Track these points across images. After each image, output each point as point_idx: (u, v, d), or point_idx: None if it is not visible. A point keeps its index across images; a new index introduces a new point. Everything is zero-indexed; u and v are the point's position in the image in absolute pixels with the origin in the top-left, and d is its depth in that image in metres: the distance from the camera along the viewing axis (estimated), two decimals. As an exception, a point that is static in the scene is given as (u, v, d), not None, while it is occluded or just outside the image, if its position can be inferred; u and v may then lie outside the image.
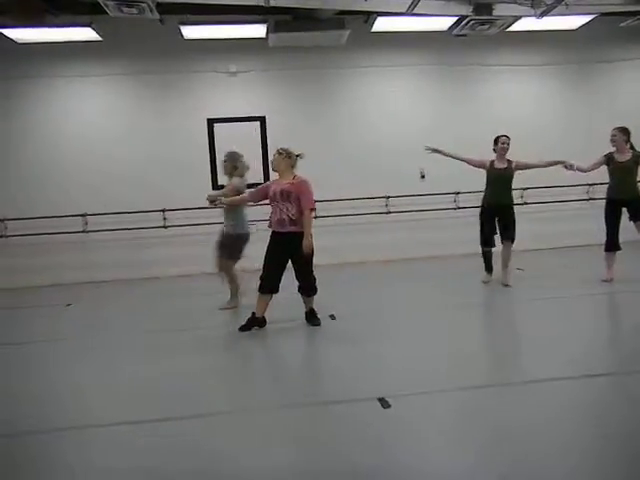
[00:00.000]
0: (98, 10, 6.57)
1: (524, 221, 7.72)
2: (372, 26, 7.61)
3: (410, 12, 6.55)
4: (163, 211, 8.62)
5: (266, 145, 8.82)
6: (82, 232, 8.49)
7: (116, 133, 8.66)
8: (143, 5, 6.18)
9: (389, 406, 3.21)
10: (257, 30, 7.56)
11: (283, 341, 4.84)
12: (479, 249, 7.30)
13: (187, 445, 2.85)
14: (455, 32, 7.42)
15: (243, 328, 5.00)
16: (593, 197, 9.08)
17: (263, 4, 6.29)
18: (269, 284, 4.94)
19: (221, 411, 3.36)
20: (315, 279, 5.17)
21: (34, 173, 8.51)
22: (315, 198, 8.79)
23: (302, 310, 5.28)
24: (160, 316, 6.02)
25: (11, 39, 7.35)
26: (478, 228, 7.15)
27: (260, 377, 4.16)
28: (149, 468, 2.70)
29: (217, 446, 2.87)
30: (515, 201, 7.25)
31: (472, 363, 3.97)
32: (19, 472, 2.76)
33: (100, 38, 7.46)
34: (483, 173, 7.16)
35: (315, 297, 5.25)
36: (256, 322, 5.02)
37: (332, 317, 5.44)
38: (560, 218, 9.39)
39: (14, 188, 8.44)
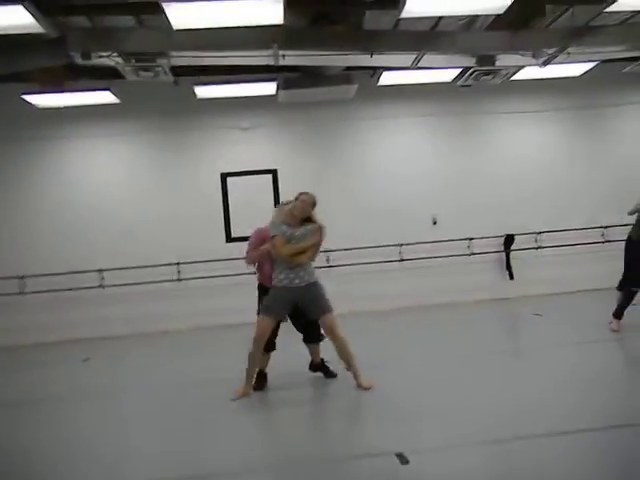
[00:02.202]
0: (116, 74, 6.90)
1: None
2: (378, 80, 7.84)
3: (415, 66, 6.76)
4: (177, 264, 8.71)
5: (278, 196, 8.97)
6: (99, 287, 8.59)
7: (133, 189, 8.90)
8: (158, 69, 6.46)
9: (407, 462, 3.10)
10: (267, 88, 7.83)
11: (295, 394, 4.74)
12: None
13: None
14: (460, 83, 7.61)
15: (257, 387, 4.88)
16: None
17: (272, 64, 6.55)
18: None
19: (230, 472, 3.28)
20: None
21: (52, 230, 8.72)
22: (327, 247, 8.89)
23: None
24: (175, 371, 5.97)
25: (33, 104, 7.69)
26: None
27: (272, 433, 4.06)
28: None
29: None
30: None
31: (498, 414, 3.83)
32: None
33: (118, 100, 7.78)
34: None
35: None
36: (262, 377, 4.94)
37: (347, 369, 5.33)
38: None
39: (33, 245, 8.63)
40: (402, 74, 7.54)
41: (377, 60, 6.74)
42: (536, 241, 9.20)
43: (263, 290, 4.93)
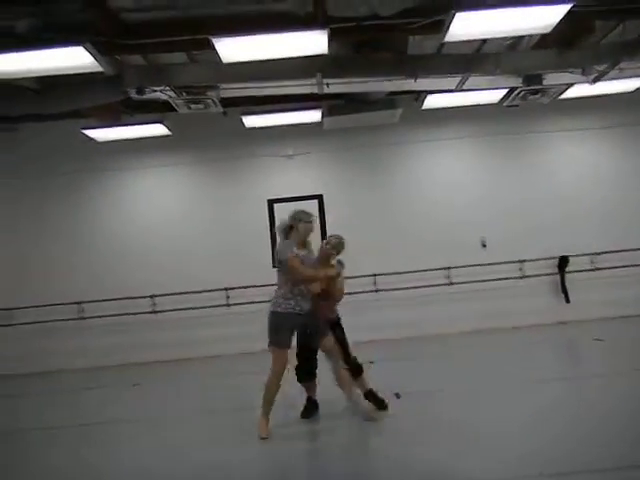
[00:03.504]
0: (168, 107, 7.21)
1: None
2: (422, 104, 7.84)
3: (459, 89, 6.73)
4: (226, 289, 8.85)
5: (324, 222, 9.03)
6: (151, 312, 8.84)
7: (184, 218, 9.20)
8: (208, 101, 6.71)
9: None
10: (312, 115, 7.97)
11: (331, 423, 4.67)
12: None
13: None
14: (506, 103, 7.50)
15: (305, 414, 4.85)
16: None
17: (317, 92, 6.68)
18: None
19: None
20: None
21: (108, 258, 9.08)
22: (374, 272, 8.81)
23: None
24: (222, 395, 6.01)
25: (93, 138, 8.12)
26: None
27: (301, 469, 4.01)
28: None
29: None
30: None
31: (558, 445, 3.65)
32: None
33: (170, 132, 8.10)
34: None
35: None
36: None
37: (397, 396, 5.24)
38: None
39: (90, 273, 9.00)
40: (447, 97, 7.52)
41: (421, 84, 6.75)
42: (592, 262, 8.84)
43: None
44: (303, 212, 4.71)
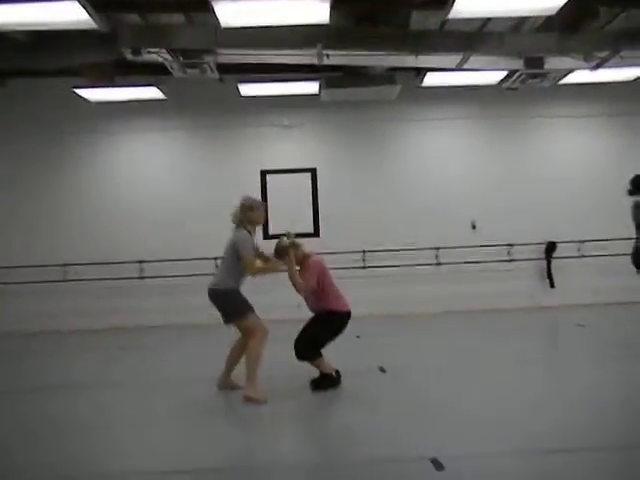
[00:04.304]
0: (163, 71, 7.06)
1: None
2: (422, 81, 7.77)
3: (460, 67, 6.66)
4: (215, 259, 8.82)
5: (316, 196, 9.00)
6: (138, 278, 8.81)
7: (174, 184, 9.10)
8: (204, 66, 6.58)
9: (442, 468, 3.06)
10: (310, 87, 7.87)
11: (326, 396, 4.74)
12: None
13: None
14: (506, 85, 7.46)
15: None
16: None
17: (316, 63, 6.57)
18: None
19: (257, 466, 3.30)
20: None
21: (96, 221, 8.99)
22: (363, 248, 8.83)
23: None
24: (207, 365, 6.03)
25: (84, 98, 7.95)
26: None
27: (304, 435, 4.08)
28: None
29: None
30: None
31: (537, 425, 3.74)
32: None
33: (164, 97, 7.95)
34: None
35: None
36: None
37: (382, 370, 5.32)
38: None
39: (78, 235, 8.91)
40: (446, 75, 7.45)
41: (422, 61, 6.68)
42: (579, 249, 8.94)
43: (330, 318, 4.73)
44: (256, 200, 4.91)
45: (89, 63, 7.03)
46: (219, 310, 4.65)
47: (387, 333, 7.53)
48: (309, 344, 4.67)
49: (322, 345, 4.70)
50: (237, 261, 4.60)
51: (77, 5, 4.90)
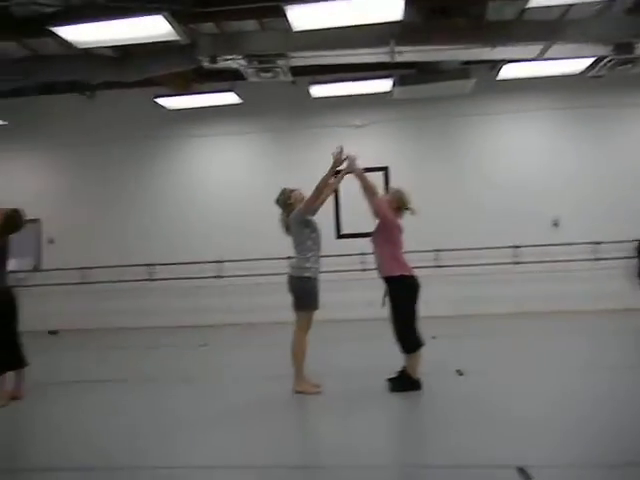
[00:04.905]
0: (238, 76, 7.27)
1: None
2: (498, 74, 7.49)
3: (540, 57, 6.37)
4: (289, 258, 8.96)
5: (389, 194, 8.90)
6: (216, 277, 9.13)
7: (252, 186, 9.34)
8: (278, 69, 6.71)
9: (530, 478, 2.93)
10: (382, 85, 7.80)
11: (404, 398, 4.67)
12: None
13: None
14: (591, 74, 7.04)
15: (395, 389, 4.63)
16: None
17: (389, 60, 6.51)
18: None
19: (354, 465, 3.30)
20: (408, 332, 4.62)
21: (178, 223, 9.42)
22: (437, 247, 8.63)
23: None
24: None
25: (164, 106, 8.33)
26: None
27: (382, 436, 4.04)
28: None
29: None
30: None
31: (626, 434, 3.51)
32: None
33: (240, 101, 8.18)
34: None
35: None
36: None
37: (459, 373, 5.18)
38: None
39: (161, 236, 9.38)
40: (525, 66, 7.15)
41: (499, 53, 6.45)
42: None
43: (401, 283, 4.56)
44: (285, 189, 5.04)
45: (169, 73, 7.37)
46: (292, 297, 4.70)
47: (463, 334, 7.33)
48: (402, 329, 4.55)
49: (412, 320, 4.55)
50: (304, 243, 4.65)
51: (161, 19, 5.14)
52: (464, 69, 7.60)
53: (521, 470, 3.00)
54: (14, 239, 4.82)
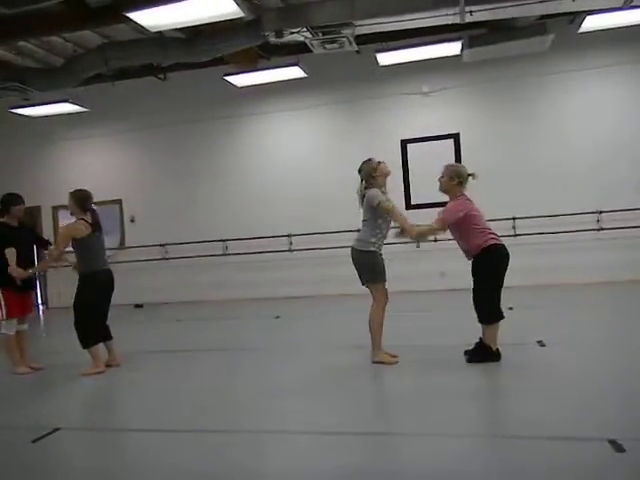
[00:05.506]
0: (303, 49, 7.23)
1: None
2: (580, 27, 6.98)
3: (629, 5, 5.87)
4: (359, 231, 8.96)
5: (460, 162, 8.63)
6: (288, 251, 9.31)
7: (320, 159, 9.39)
8: (343, 39, 6.61)
9: (623, 450, 2.83)
10: (451, 48, 7.50)
11: (485, 369, 4.60)
12: None
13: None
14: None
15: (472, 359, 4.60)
16: None
17: (458, 22, 6.24)
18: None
19: (421, 432, 3.32)
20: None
21: (249, 199, 9.66)
22: (513, 215, 8.33)
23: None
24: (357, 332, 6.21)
25: (233, 84, 8.46)
26: None
27: (468, 408, 4.02)
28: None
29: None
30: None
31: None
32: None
33: (305, 74, 8.15)
34: None
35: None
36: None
37: (540, 343, 5.03)
38: None
39: (234, 213, 9.65)
40: (610, 16, 6.62)
41: (580, 3, 6.00)
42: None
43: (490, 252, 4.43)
44: (372, 159, 4.78)
45: (237, 51, 7.44)
46: (357, 270, 4.71)
47: (542, 305, 7.08)
48: (485, 298, 4.45)
49: (497, 290, 4.46)
50: (375, 220, 4.60)
51: (228, -4, 5.18)
52: (541, 24, 7.14)
53: (613, 442, 2.90)
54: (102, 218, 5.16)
